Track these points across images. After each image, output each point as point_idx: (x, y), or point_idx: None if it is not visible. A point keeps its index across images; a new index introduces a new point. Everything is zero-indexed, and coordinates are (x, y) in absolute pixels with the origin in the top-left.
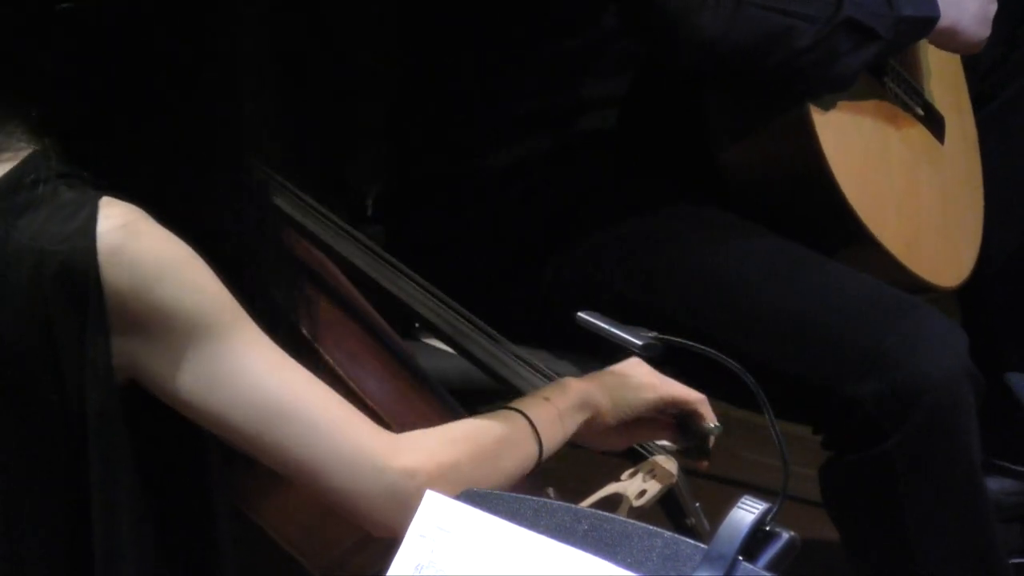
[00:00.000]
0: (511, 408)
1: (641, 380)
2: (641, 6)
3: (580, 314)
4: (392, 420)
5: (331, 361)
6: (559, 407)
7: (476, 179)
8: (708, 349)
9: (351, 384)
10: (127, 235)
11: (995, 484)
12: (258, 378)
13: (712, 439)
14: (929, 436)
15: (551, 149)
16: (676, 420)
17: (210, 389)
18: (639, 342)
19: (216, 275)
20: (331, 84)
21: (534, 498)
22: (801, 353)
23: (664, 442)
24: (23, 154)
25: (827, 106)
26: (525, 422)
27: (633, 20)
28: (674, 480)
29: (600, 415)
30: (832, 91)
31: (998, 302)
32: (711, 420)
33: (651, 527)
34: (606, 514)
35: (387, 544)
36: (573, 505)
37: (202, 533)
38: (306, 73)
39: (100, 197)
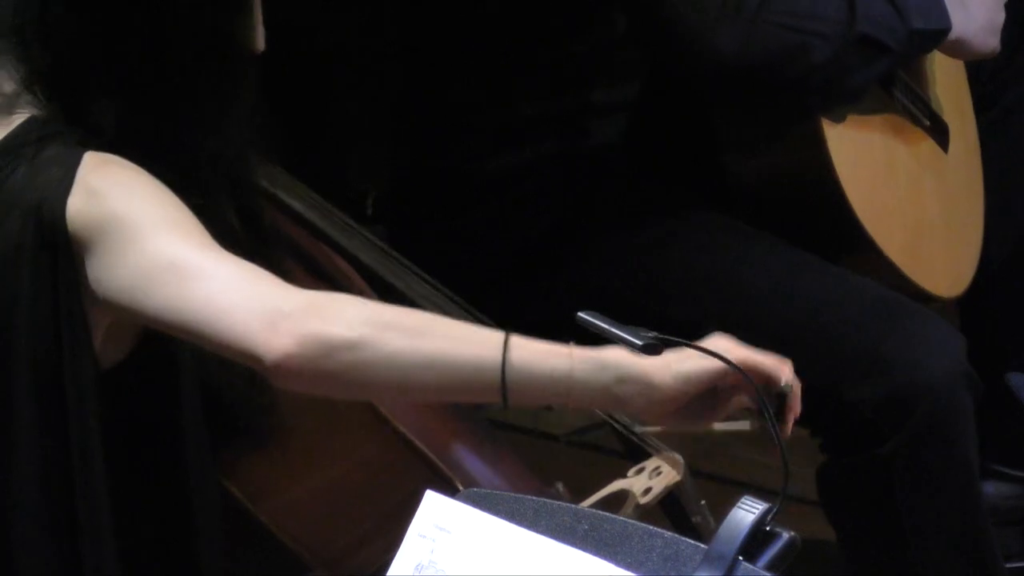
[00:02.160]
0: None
1: (713, 347)
2: (657, 24)
3: (580, 314)
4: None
5: None
6: (573, 350)
7: (480, 181)
8: (708, 349)
9: None
10: (100, 174)
11: (991, 488)
12: (174, 250)
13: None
14: (927, 440)
15: (557, 152)
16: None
17: (139, 276)
18: (639, 342)
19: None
20: (332, 84)
21: (534, 498)
22: (800, 356)
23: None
24: (19, 119)
25: (837, 117)
26: (499, 334)
27: (648, 37)
28: (679, 478)
29: (654, 386)
30: (844, 105)
31: (997, 305)
32: (790, 380)
33: (651, 527)
34: (606, 514)
35: (388, 541)
36: (573, 505)
37: (178, 506)
38: (306, 73)
39: (85, 152)
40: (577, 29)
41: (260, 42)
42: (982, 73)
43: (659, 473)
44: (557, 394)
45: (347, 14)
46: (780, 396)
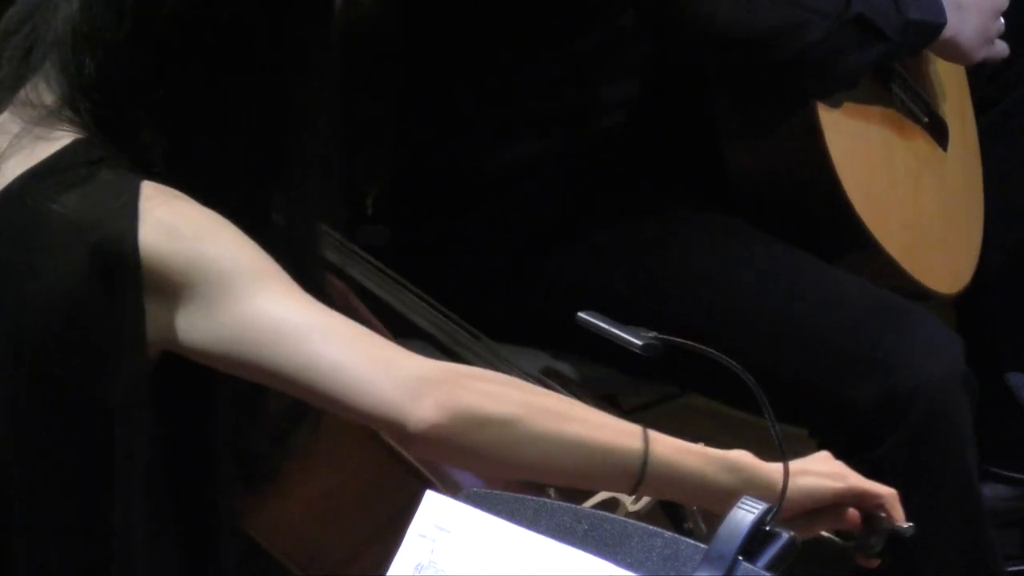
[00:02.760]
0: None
1: (831, 469)
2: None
3: (580, 314)
4: None
5: None
6: (708, 451)
7: (480, 180)
8: (708, 349)
9: None
10: (167, 209)
11: (989, 490)
12: (281, 311)
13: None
14: (924, 440)
15: (558, 150)
16: (863, 515)
17: (239, 331)
18: (639, 342)
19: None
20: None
21: (534, 498)
22: (798, 357)
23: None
24: (64, 141)
25: (836, 112)
26: (636, 426)
27: (651, 9)
28: None
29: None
30: (837, 90)
31: (995, 306)
32: (901, 520)
33: (651, 527)
34: (606, 514)
35: (381, 554)
36: (573, 505)
37: (206, 519)
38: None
39: (142, 180)
40: (578, 27)
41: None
42: (981, 76)
43: None
44: (685, 492)
45: (348, 13)
46: (894, 534)
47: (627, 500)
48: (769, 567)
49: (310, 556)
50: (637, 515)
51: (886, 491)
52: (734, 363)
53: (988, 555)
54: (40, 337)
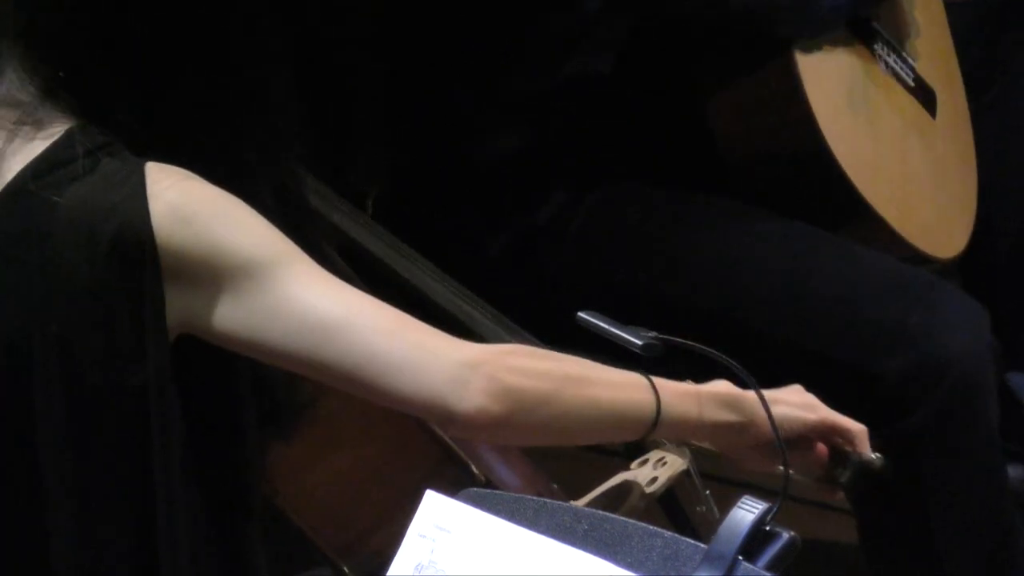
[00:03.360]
0: (640, 372)
1: (804, 400)
2: None
3: (580, 314)
4: None
5: None
6: (700, 390)
7: (469, 171)
8: (708, 349)
9: None
10: (178, 192)
11: (1012, 471)
12: (313, 300)
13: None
14: (953, 412)
15: (539, 136)
16: (831, 450)
17: (269, 320)
18: (639, 342)
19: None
20: (331, 84)
21: (534, 498)
22: (824, 331)
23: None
24: (57, 132)
25: (818, 74)
26: (641, 378)
27: None
28: (686, 466)
29: (755, 425)
30: (813, 36)
31: (1002, 288)
32: (868, 451)
33: (651, 527)
34: (606, 514)
35: (401, 526)
36: (573, 505)
37: (239, 495)
38: (306, 73)
39: (145, 163)
40: (544, 8)
41: None
42: (971, 54)
43: (664, 463)
44: (687, 431)
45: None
46: (863, 466)
47: (642, 482)
48: (769, 567)
49: (336, 526)
50: (652, 496)
51: (856, 426)
52: (734, 363)
53: (1011, 528)
54: (62, 331)
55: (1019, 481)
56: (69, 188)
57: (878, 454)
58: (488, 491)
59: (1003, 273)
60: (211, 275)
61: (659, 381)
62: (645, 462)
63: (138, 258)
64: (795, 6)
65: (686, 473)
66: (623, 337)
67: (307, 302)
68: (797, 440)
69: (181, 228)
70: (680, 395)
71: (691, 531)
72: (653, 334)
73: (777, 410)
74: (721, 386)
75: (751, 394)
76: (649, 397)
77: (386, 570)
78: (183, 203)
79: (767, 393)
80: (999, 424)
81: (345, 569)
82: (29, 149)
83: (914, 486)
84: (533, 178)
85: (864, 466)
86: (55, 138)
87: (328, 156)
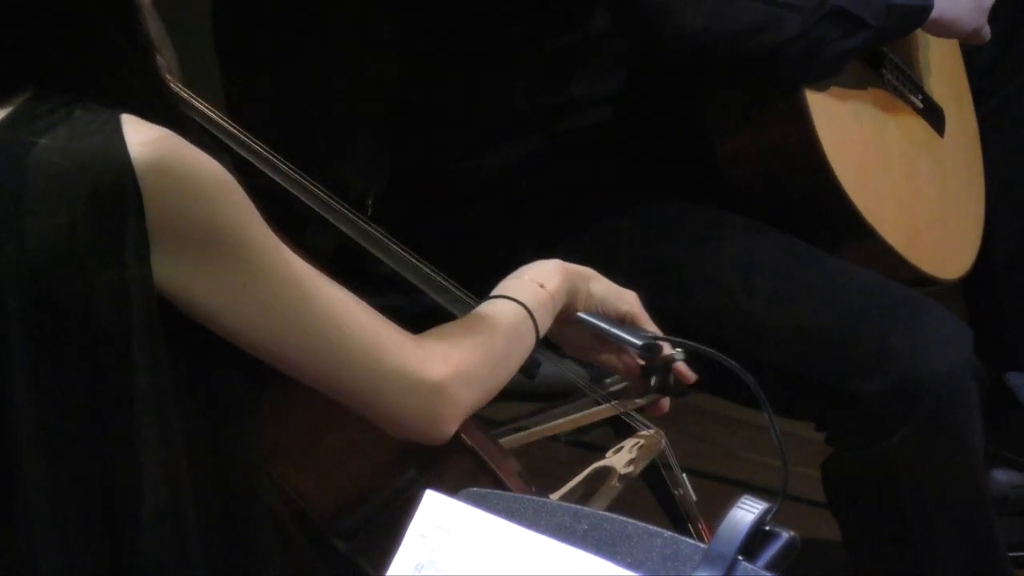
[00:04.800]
0: (509, 298)
1: (620, 292)
2: (628, 2)
3: (580, 313)
4: None
5: None
6: (551, 290)
7: (472, 179)
8: (708, 349)
9: None
10: (162, 151)
11: (1004, 476)
12: (297, 299)
13: (673, 376)
14: (933, 432)
15: (543, 150)
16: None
17: (249, 309)
18: (639, 342)
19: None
20: (331, 84)
21: (534, 498)
22: (805, 350)
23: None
24: (18, 101)
25: (825, 99)
26: (525, 314)
27: (620, 16)
28: (661, 447)
29: (577, 300)
30: (821, 78)
31: (1004, 296)
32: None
33: (651, 527)
34: (606, 514)
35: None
36: (573, 505)
37: (230, 458)
38: (306, 74)
39: (120, 114)
40: (551, 27)
41: None
42: (979, 65)
43: (640, 447)
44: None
45: (343, 15)
46: (668, 363)
47: (618, 467)
48: (769, 567)
49: (336, 506)
50: (627, 478)
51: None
52: (734, 363)
53: (993, 543)
54: (46, 281)
55: (1010, 487)
56: (45, 135)
57: (678, 349)
58: (488, 491)
59: (1003, 273)
60: (193, 247)
61: (533, 306)
62: (620, 449)
63: (121, 209)
64: (803, 55)
65: (662, 456)
66: (623, 337)
67: (293, 300)
68: (613, 346)
69: (167, 191)
70: (544, 310)
71: (673, 502)
72: (652, 334)
73: (595, 287)
74: (559, 269)
75: (578, 271)
76: (533, 338)
77: (385, 570)
78: (170, 164)
79: (587, 270)
80: (990, 431)
81: (335, 542)
82: None
83: (896, 505)
84: (531, 188)
85: (668, 360)
86: (20, 102)
87: (327, 154)
